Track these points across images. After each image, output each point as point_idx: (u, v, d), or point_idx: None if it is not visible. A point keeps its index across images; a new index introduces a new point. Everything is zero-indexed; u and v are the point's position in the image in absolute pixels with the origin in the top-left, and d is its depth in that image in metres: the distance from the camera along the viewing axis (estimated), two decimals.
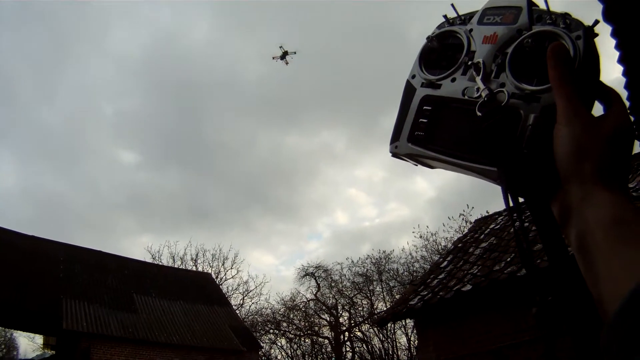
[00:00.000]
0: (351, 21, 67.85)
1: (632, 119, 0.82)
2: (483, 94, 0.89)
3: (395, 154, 1.03)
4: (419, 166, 1.05)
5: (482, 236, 16.50)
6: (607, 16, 4.41)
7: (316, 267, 45.72)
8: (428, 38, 1.05)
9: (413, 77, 1.04)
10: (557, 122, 0.79)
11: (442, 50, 1.03)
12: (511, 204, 0.85)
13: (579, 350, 0.74)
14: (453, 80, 0.98)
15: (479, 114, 0.88)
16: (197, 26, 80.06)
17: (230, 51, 75.54)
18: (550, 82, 0.82)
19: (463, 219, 37.62)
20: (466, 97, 0.93)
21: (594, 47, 0.85)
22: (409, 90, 1.03)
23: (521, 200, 0.85)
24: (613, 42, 4.77)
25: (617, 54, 4.95)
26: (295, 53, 42.15)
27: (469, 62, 0.96)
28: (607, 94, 0.86)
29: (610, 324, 0.58)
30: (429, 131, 0.98)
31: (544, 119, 0.82)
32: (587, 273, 0.70)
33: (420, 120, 0.99)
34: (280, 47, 41.44)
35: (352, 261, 46.77)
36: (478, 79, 0.92)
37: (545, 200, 0.82)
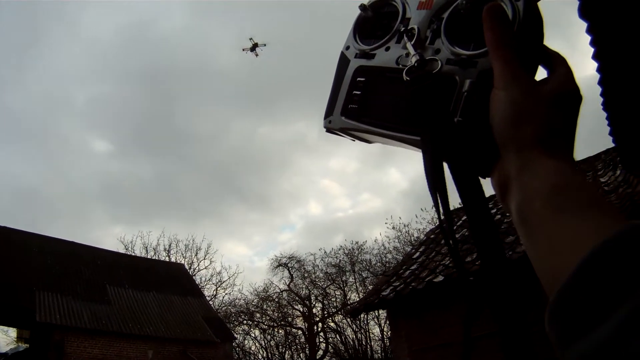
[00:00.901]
0: (327, 9, 67.58)
1: (577, 83, 0.76)
2: (413, 60, 0.84)
3: (329, 129, 0.98)
4: (357, 142, 1.02)
5: (454, 228, 16.60)
6: (583, 13, 4.47)
7: (289, 258, 45.70)
8: (361, 7, 0.99)
9: (347, 48, 0.99)
10: (494, 87, 0.74)
11: (377, 19, 0.98)
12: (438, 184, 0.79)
13: (507, 349, 0.72)
14: (387, 49, 0.93)
15: (406, 78, 0.84)
16: (171, 12, 79.18)
17: (204, 39, 74.86)
18: (487, 45, 0.77)
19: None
20: (400, 65, 0.88)
21: (536, 9, 0.81)
22: (343, 62, 0.99)
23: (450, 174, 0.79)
24: (588, 38, 4.86)
25: (592, 50, 5.03)
26: (265, 45, 41.84)
27: (403, 29, 0.91)
28: (551, 58, 0.80)
29: (554, 301, 0.55)
30: (362, 103, 0.93)
31: (480, 85, 0.78)
32: (529, 248, 0.66)
33: (354, 92, 0.94)
34: (250, 39, 41.06)
35: (325, 252, 47.05)
36: (409, 44, 0.87)
37: (480, 173, 0.78)
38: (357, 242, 46.44)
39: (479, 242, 0.76)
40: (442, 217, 0.80)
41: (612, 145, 8.30)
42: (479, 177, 0.78)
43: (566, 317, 0.53)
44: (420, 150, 0.82)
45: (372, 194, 71.90)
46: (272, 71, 69.94)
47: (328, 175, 72.69)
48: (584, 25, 4.72)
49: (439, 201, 0.79)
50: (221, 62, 73.09)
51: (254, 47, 41.10)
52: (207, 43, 74.27)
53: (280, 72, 70.86)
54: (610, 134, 7.10)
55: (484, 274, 0.75)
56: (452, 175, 0.79)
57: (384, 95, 0.91)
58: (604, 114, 6.53)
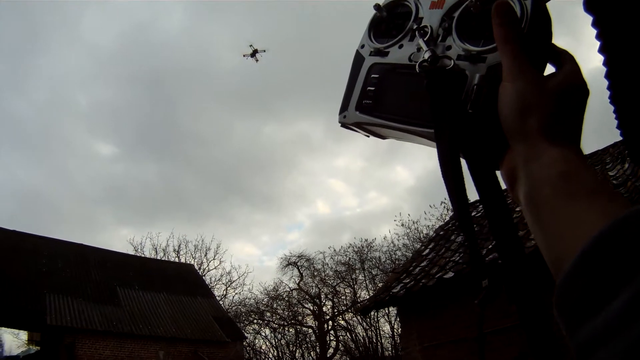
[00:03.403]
0: (330, 11, 67.55)
1: (584, 78, 0.78)
2: (426, 55, 0.87)
3: (344, 124, 1.01)
4: (372, 138, 1.04)
5: (470, 216, 16.57)
6: (588, 7, 4.47)
7: (299, 257, 45.74)
8: (376, 7, 1.03)
9: (362, 46, 1.03)
10: (502, 80, 0.77)
11: (391, 19, 1.02)
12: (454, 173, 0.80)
13: (533, 345, 0.72)
14: (400, 46, 0.97)
15: (420, 71, 0.87)
16: (172, 14, 78.93)
17: (206, 40, 74.66)
18: (495, 41, 0.80)
19: (444, 207, 37.70)
20: (412, 62, 0.92)
21: (544, 8, 0.84)
22: (358, 60, 1.03)
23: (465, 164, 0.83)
24: (594, 32, 4.85)
25: (597, 43, 5.02)
26: (265, 51, 41.77)
27: (416, 27, 0.94)
28: (559, 56, 0.83)
29: (561, 285, 0.56)
30: (376, 99, 0.96)
31: (489, 79, 0.81)
32: (537, 235, 0.68)
33: (368, 88, 0.98)
34: (250, 45, 40.69)
35: (335, 250, 46.90)
36: (421, 41, 0.91)
37: (492, 164, 0.81)
38: (366, 240, 46.37)
39: (497, 234, 0.80)
40: (458, 206, 0.82)
41: (620, 138, 8.29)
42: (494, 171, 0.81)
43: (573, 299, 0.54)
44: (434, 143, 0.85)
45: (379, 192, 71.88)
46: (275, 71, 69.86)
47: (334, 174, 72.69)
48: (589, 18, 4.71)
49: (455, 190, 0.81)
50: (224, 63, 73.04)
51: (254, 54, 41.01)
52: (209, 45, 74.26)
53: (283, 72, 70.68)
54: (618, 127, 7.09)
55: (503, 264, 0.77)
56: (470, 170, 0.82)
57: (397, 90, 0.94)
58: (612, 108, 6.52)
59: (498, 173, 0.81)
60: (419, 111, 0.88)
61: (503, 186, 0.81)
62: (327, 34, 70.94)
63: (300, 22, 71.82)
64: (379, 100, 0.96)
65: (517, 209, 0.78)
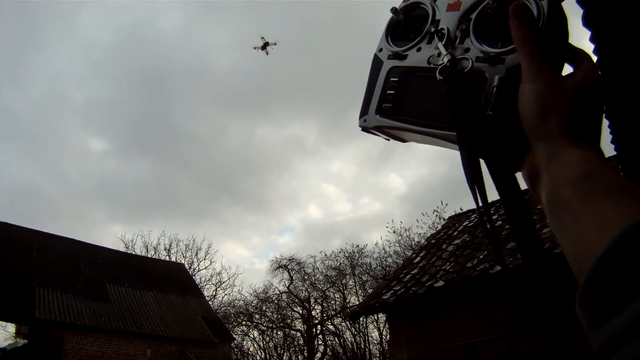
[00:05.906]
0: (327, 12, 67.53)
1: (601, 76, 0.79)
2: (445, 60, 0.88)
3: (364, 128, 1.02)
4: (391, 141, 1.05)
5: (455, 233, 16.61)
6: (587, 21, 4.48)
7: (289, 260, 45.55)
8: (393, 10, 1.04)
9: (380, 50, 1.04)
10: (521, 82, 0.78)
11: (409, 23, 1.02)
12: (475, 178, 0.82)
13: (550, 347, 0.73)
14: (419, 49, 0.97)
15: (439, 77, 0.87)
16: (169, 13, 78.60)
17: (202, 40, 74.27)
18: (514, 42, 0.81)
19: (437, 216, 37.60)
20: (431, 65, 0.93)
21: (560, 7, 0.84)
22: (376, 64, 1.03)
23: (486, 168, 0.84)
24: (592, 46, 4.86)
25: (595, 58, 5.04)
26: (275, 44, 41.69)
27: (434, 30, 0.95)
28: (576, 55, 0.83)
29: (583, 284, 0.55)
30: (396, 102, 0.97)
31: (509, 80, 0.81)
32: (560, 235, 0.67)
33: (388, 92, 0.98)
34: (262, 37, 40.68)
35: (326, 254, 46.76)
36: (440, 44, 0.91)
37: (513, 166, 0.81)
38: (357, 246, 46.12)
39: (519, 236, 0.80)
40: (481, 209, 0.82)
41: (614, 153, 8.30)
42: (515, 173, 0.82)
43: (595, 299, 0.54)
44: (454, 145, 0.87)
45: (371, 198, 71.67)
46: (271, 73, 69.73)
47: (327, 178, 72.50)
48: (587, 33, 4.73)
49: (478, 193, 0.82)
50: (220, 63, 72.94)
51: (264, 46, 40.92)
52: (205, 44, 73.85)
53: (279, 74, 70.50)
54: (612, 142, 7.11)
55: (525, 266, 0.77)
56: (489, 171, 0.83)
57: (417, 93, 0.95)
58: (606, 122, 6.56)
59: (518, 175, 0.82)
60: (440, 114, 0.89)
61: (523, 188, 0.82)
62: (324, 38, 70.92)
63: (297, 26, 71.71)
64: (399, 104, 0.97)
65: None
